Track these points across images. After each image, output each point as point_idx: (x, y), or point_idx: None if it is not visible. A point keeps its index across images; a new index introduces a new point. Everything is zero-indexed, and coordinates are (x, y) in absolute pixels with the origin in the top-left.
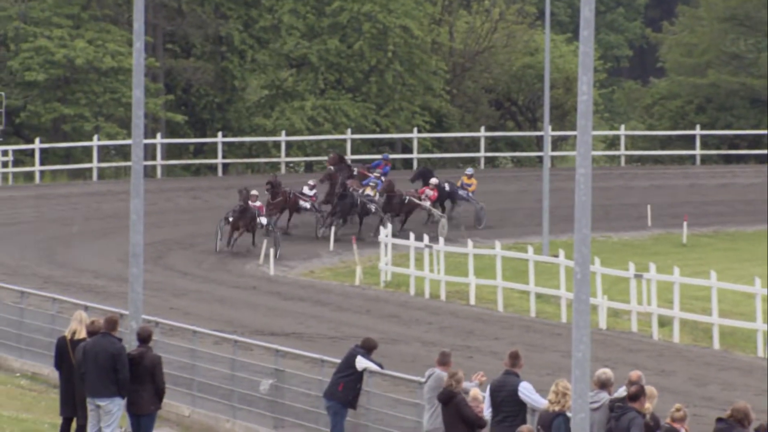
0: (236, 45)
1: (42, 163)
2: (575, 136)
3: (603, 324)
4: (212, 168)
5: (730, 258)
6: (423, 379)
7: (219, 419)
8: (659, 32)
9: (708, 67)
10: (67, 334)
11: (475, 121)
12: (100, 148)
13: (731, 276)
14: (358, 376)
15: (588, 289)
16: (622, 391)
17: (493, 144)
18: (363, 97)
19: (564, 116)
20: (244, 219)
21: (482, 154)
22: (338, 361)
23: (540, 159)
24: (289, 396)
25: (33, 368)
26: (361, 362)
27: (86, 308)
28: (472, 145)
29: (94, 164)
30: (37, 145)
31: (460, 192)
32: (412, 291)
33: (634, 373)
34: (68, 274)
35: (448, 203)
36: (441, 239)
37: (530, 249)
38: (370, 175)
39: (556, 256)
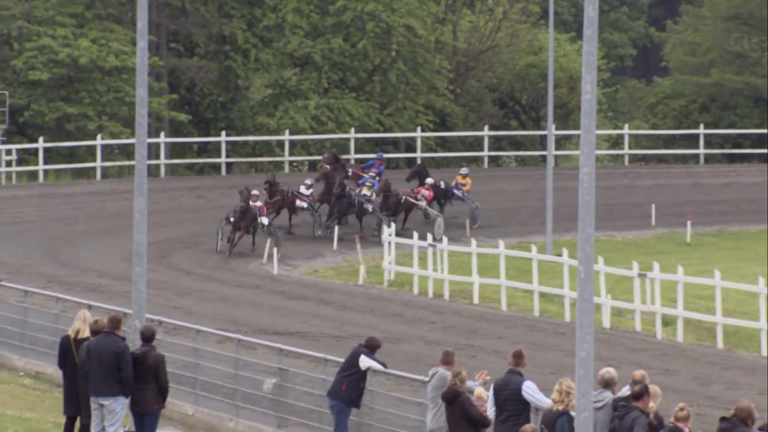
0: (240, 44)
1: (45, 163)
2: (579, 135)
3: (607, 323)
4: (216, 167)
5: (733, 257)
6: (426, 379)
7: (222, 418)
8: (663, 31)
9: (712, 66)
10: (71, 333)
11: (478, 120)
12: (104, 147)
13: (735, 275)
14: (362, 375)
15: (592, 288)
16: (625, 390)
17: (496, 143)
18: (366, 97)
19: (567, 115)
20: (245, 220)
21: (486, 153)
22: (342, 360)
23: (543, 158)
24: (292, 395)
25: (37, 367)
26: (364, 361)
27: (90, 307)
28: (476, 144)
29: (98, 163)
30: (40, 144)
31: (455, 191)
32: (415, 290)
33: (638, 372)
34: (72, 273)
35: (443, 202)
36: (441, 239)
37: (534, 248)
38: (364, 175)
39: (560, 255)
